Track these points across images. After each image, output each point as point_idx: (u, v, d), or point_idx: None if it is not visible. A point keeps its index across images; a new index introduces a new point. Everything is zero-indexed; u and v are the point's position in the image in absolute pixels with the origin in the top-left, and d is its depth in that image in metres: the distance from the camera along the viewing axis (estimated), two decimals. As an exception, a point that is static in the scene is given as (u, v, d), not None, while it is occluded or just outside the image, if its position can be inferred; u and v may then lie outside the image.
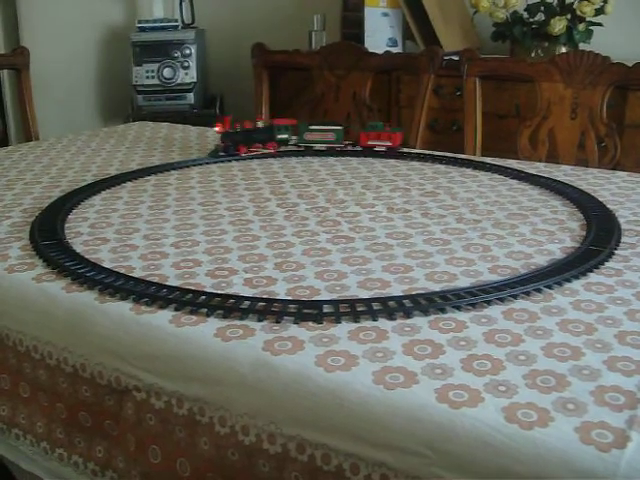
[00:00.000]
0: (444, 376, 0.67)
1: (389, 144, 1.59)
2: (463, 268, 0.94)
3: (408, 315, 0.80)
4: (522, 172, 1.43)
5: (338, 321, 0.79)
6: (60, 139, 1.81)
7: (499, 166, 1.47)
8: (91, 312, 0.84)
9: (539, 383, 0.66)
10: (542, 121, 1.77)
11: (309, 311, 0.81)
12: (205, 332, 0.77)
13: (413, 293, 0.86)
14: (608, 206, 1.20)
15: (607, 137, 1.69)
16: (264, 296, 0.85)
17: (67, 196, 1.26)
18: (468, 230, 1.09)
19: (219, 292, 0.86)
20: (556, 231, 1.09)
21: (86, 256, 0.98)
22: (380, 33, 2.60)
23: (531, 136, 1.78)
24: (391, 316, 0.79)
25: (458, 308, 0.82)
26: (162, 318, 0.80)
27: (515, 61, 1.98)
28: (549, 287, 0.87)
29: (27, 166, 1.51)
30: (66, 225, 1.12)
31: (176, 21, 3.11)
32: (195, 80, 3.01)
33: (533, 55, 2.37)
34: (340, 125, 1.60)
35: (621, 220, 1.13)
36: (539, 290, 0.86)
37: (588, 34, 2.31)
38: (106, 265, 0.95)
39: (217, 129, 1.51)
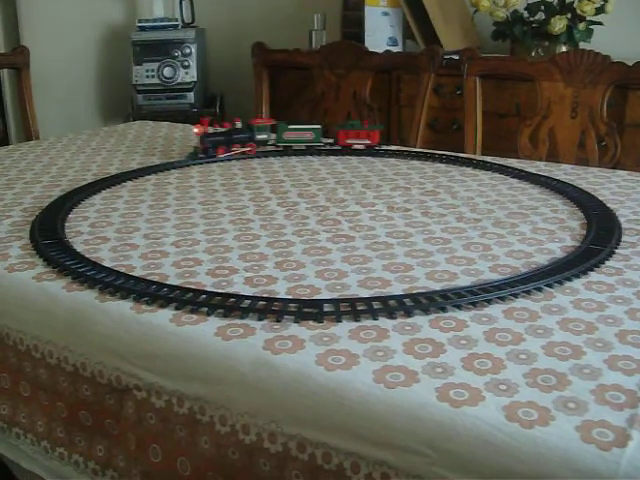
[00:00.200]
0: (445, 375, 0.67)
1: (368, 142, 1.59)
2: (463, 267, 0.94)
3: (409, 314, 0.80)
4: (522, 171, 1.43)
5: (339, 320, 0.79)
6: (60, 138, 1.81)
7: (499, 165, 1.47)
8: (91, 311, 0.84)
9: (540, 382, 0.66)
10: (542, 120, 1.77)
11: (309, 310, 0.80)
12: (205, 331, 0.77)
13: (414, 292, 0.85)
14: (608, 205, 1.20)
15: (607, 136, 1.69)
16: (264, 295, 0.85)
17: (67, 195, 1.26)
18: (468, 229, 1.09)
19: (219, 291, 0.86)
20: (556, 230, 1.09)
21: (86, 255, 0.98)
22: (380, 32, 2.60)
23: (531, 135, 1.78)
24: (392, 315, 0.79)
25: (459, 307, 0.82)
26: (162, 317, 0.80)
27: (515, 60, 1.99)
28: (550, 286, 0.87)
29: (27, 165, 1.51)
30: (66, 224, 1.12)
31: (176, 20, 3.11)
32: (195, 79, 3.01)
33: (533, 54, 2.37)
34: (319, 124, 1.60)
35: (621, 219, 1.13)
36: (540, 289, 0.86)
37: (588, 33, 2.31)
38: (106, 264, 0.95)
39: (196, 131, 1.50)
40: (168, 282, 0.89)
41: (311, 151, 1.59)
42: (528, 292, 0.85)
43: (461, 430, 0.61)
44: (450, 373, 0.68)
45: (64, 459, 0.88)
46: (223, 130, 1.53)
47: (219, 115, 3.07)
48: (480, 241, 1.04)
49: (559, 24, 2.25)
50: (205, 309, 0.81)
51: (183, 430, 0.76)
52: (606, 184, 1.34)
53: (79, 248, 1.01)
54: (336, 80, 2.07)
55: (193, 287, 0.87)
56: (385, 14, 2.59)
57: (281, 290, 0.87)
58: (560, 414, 0.61)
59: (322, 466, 0.67)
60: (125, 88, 3.13)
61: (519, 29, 2.35)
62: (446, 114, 2.41)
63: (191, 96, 3.02)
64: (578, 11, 2.26)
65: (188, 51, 2.99)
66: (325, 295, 0.85)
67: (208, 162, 1.50)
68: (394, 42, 2.60)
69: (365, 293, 0.86)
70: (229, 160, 1.51)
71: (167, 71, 2.98)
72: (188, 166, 1.48)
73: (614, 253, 0.99)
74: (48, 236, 1.04)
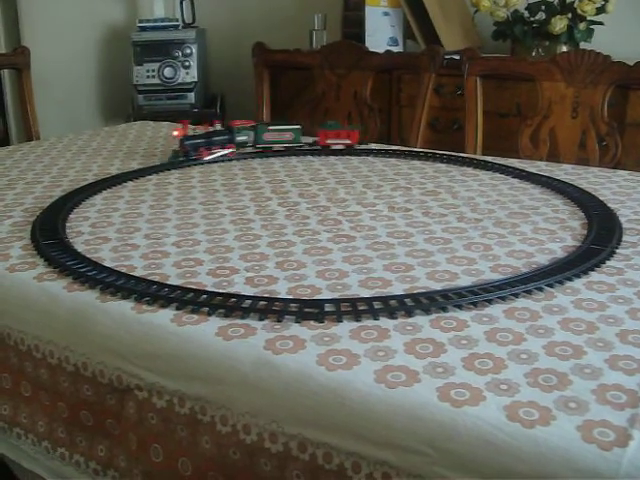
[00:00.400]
0: (446, 375, 0.67)
1: (348, 142, 1.59)
2: (464, 267, 0.94)
3: (409, 314, 0.80)
4: (523, 171, 1.43)
5: (339, 320, 0.79)
6: (61, 138, 1.81)
7: (500, 165, 1.47)
8: (92, 311, 0.84)
9: (541, 382, 0.66)
10: (543, 120, 1.77)
11: (310, 310, 0.80)
12: (206, 331, 0.77)
13: (414, 292, 0.85)
14: (609, 205, 1.20)
15: (608, 136, 1.69)
16: (265, 295, 0.85)
17: (68, 195, 1.26)
18: (469, 229, 1.09)
19: (220, 291, 0.86)
20: (557, 230, 1.09)
21: (87, 255, 0.98)
22: (381, 32, 2.60)
23: (532, 135, 1.79)
24: (392, 315, 0.79)
25: (459, 307, 0.81)
26: (163, 317, 0.80)
27: (516, 60, 1.99)
28: (550, 286, 0.87)
29: (28, 165, 1.51)
30: (67, 224, 1.12)
31: (177, 20, 3.11)
32: (196, 79, 3.01)
33: (534, 54, 2.37)
34: (298, 125, 1.60)
35: (622, 219, 1.13)
36: (540, 289, 0.86)
37: (589, 33, 2.31)
38: (107, 264, 0.95)
39: (175, 133, 1.48)
40: (169, 282, 0.89)
41: (291, 152, 1.58)
42: (529, 292, 0.85)
43: (462, 430, 0.61)
44: (451, 373, 0.68)
45: (65, 459, 0.88)
46: (203, 132, 1.51)
47: (219, 115, 3.07)
48: (481, 241, 1.04)
49: (560, 24, 2.25)
50: (206, 309, 0.81)
51: (184, 430, 0.76)
52: (607, 184, 1.34)
53: (80, 248, 1.01)
54: (337, 80, 2.07)
55: (194, 287, 0.87)
56: (386, 14, 2.60)
57: (282, 290, 0.87)
58: (561, 414, 0.61)
59: (323, 466, 0.67)
60: (126, 88, 3.13)
61: (520, 29, 2.35)
62: (447, 114, 2.41)
63: (192, 96, 3.02)
64: (579, 11, 2.26)
65: (189, 51, 3.00)
66: (326, 295, 0.85)
67: (189, 165, 1.47)
68: (395, 42, 2.60)
69: (366, 293, 0.86)
70: (209, 163, 1.49)
71: (168, 71, 2.98)
72: (189, 166, 1.48)
73: (615, 253, 0.99)
74: (49, 236, 1.04)
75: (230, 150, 1.52)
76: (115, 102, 3.36)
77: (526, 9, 2.38)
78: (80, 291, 0.88)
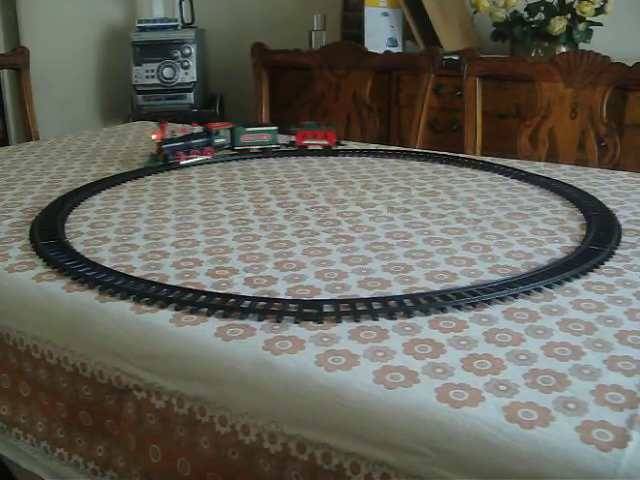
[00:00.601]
0: (445, 375, 0.67)
1: (325, 143, 1.59)
2: (463, 268, 0.94)
3: (408, 315, 0.80)
4: (522, 171, 1.43)
5: (338, 320, 0.79)
6: (60, 139, 1.81)
7: (499, 165, 1.47)
8: (91, 312, 0.84)
9: (540, 382, 0.66)
10: (542, 121, 1.77)
11: (309, 311, 0.81)
12: (205, 331, 0.77)
13: (413, 293, 0.86)
14: (608, 206, 1.20)
15: (607, 137, 1.69)
16: (264, 296, 0.85)
17: (67, 196, 1.26)
18: (468, 230, 1.09)
19: (219, 292, 0.86)
20: (556, 231, 1.09)
21: (86, 256, 0.98)
22: (380, 33, 2.60)
23: (531, 136, 1.78)
24: (391, 315, 0.79)
25: (458, 308, 0.82)
26: (162, 317, 0.80)
27: (515, 61, 1.99)
28: (549, 287, 0.87)
29: (27, 166, 1.51)
30: (66, 225, 1.12)
31: (176, 21, 3.11)
32: (195, 80, 3.01)
33: (533, 55, 2.37)
34: (275, 126, 1.60)
35: (621, 220, 1.13)
36: (539, 290, 0.86)
37: (588, 34, 2.31)
38: (106, 264, 0.95)
39: (154, 137, 1.46)
40: (168, 283, 0.89)
41: (268, 154, 1.57)
42: (528, 293, 0.85)
43: (461, 430, 0.61)
44: (450, 374, 0.68)
45: (64, 459, 0.88)
46: (181, 135, 1.49)
47: (219, 115, 3.07)
48: (480, 242, 1.04)
49: (559, 25, 2.25)
50: (205, 309, 0.81)
51: (183, 430, 0.76)
52: (606, 185, 1.34)
53: (79, 248, 1.01)
54: (336, 80, 2.07)
55: (193, 288, 0.87)
56: (385, 15, 2.60)
57: (281, 291, 0.87)
58: (560, 415, 0.61)
59: (322, 466, 0.67)
60: (125, 88, 3.13)
61: (519, 30, 2.35)
62: (446, 114, 2.41)
63: (191, 96, 3.02)
64: (578, 12, 2.26)
65: (188, 51, 2.99)
66: (325, 296, 0.85)
67: (168, 170, 1.45)
68: (394, 43, 2.60)
69: (365, 294, 0.86)
70: (187, 167, 1.47)
71: (167, 71, 2.98)
72: (189, 167, 1.48)
73: (614, 254, 0.99)
74: (48, 236, 1.04)
75: (208, 155, 1.50)
76: (114, 102, 3.35)
77: (525, 10, 2.38)
78: (79, 291, 0.88)
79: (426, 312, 0.80)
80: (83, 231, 1.09)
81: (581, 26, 2.29)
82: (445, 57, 2.13)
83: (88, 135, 1.86)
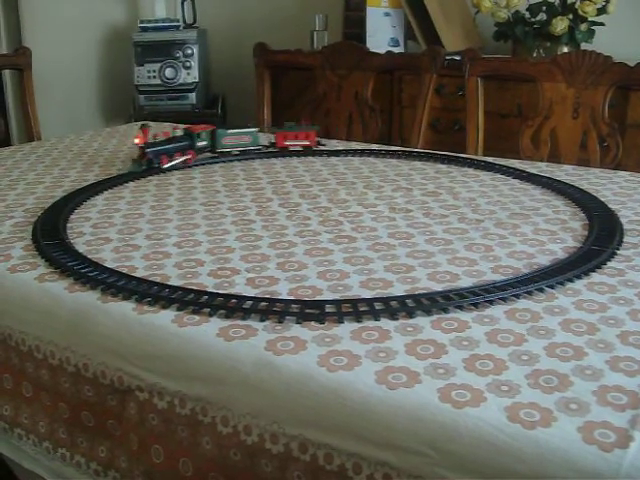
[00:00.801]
0: (447, 376, 0.67)
1: (306, 143, 1.59)
2: (465, 268, 0.94)
3: (410, 315, 0.80)
4: (524, 172, 1.43)
5: (340, 321, 0.79)
6: (62, 139, 1.81)
7: (501, 166, 1.47)
8: (94, 312, 0.84)
9: (542, 383, 0.66)
10: (544, 121, 1.77)
11: (311, 311, 0.81)
12: (207, 332, 0.77)
13: (415, 293, 0.85)
14: (610, 206, 1.20)
15: (609, 137, 1.69)
16: (266, 296, 0.85)
17: (69, 196, 1.26)
18: (470, 230, 1.09)
19: (221, 292, 0.86)
20: (558, 231, 1.09)
21: (88, 256, 0.98)
22: (382, 33, 2.60)
23: (533, 136, 1.78)
24: (393, 316, 0.79)
25: (460, 308, 0.82)
26: (164, 318, 0.81)
27: (517, 61, 1.99)
28: (551, 287, 0.87)
29: (29, 166, 1.51)
30: (68, 225, 1.12)
31: (178, 21, 3.11)
32: (197, 80, 3.01)
33: (535, 55, 2.37)
34: (256, 127, 1.59)
35: (623, 220, 1.13)
36: (541, 290, 0.86)
37: (590, 34, 2.31)
38: (108, 265, 0.95)
39: (136, 141, 1.42)
40: (170, 283, 0.89)
41: (251, 155, 1.56)
42: (530, 293, 0.85)
43: (463, 431, 0.61)
44: (452, 374, 0.68)
45: (66, 460, 0.88)
46: (163, 139, 1.47)
47: (221, 116, 3.08)
48: (482, 242, 1.04)
49: (561, 25, 2.25)
50: (207, 310, 0.81)
51: (185, 431, 0.76)
52: (608, 185, 1.34)
53: (81, 249, 1.01)
54: (338, 81, 2.07)
55: (195, 288, 0.87)
56: (387, 15, 2.60)
57: (283, 291, 0.87)
58: (562, 415, 0.61)
59: (324, 467, 0.67)
60: (127, 89, 3.13)
61: (521, 30, 2.35)
62: (448, 115, 2.41)
63: (193, 97, 3.02)
64: (580, 12, 2.26)
65: (190, 52, 3.00)
66: (327, 296, 0.85)
67: (151, 175, 1.43)
68: (396, 43, 2.60)
69: (367, 294, 0.86)
70: (170, 170, 1.45)
71: (169, 72, 2.98)
72: (190, 167, 1.49)
73: (616, 254, 0.99)
74: (50, 237, 1.05)
75: (189, 156, 1.48)
76: (116, 103, 3.36)
77: (527, 10, 2.38)
78: (81, 292, 0.88)
79: (428, 312, 0.80)
80: (85, 231, 1.10)
81: (583, 26, 2.29)
82: (447, 57, 2.13)
83: (90, 135, 1.87)
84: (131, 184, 1.37)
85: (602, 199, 1.23)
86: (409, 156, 1.58)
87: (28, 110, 2.13)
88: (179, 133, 1.49)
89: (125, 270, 0.93)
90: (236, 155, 1.55)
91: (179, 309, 0.82)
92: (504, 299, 0.84)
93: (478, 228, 1.10)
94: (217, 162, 1.53)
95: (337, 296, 0.85)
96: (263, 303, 0.82)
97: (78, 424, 0.87)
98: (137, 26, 3.05)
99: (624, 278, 0.91)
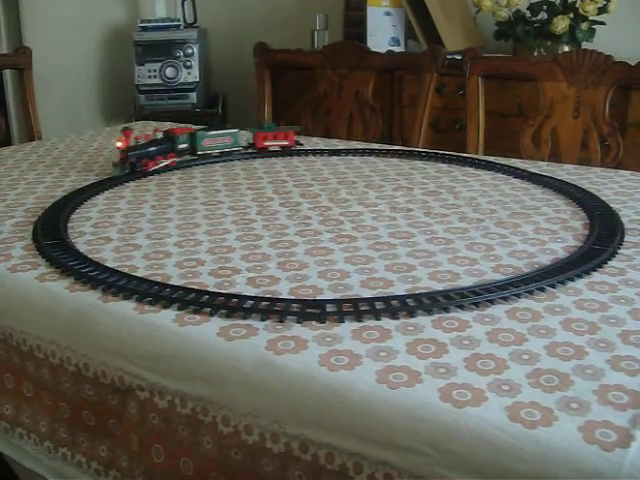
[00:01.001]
0: (447, 375, 0.67)
1: (285, 143, 1.59)
2: (466, 267, 0.94)
3: (411, 314, 0.80)
4: (525, 171, 1.43)
5: (341, 320, 0.79)
6: (63, 139, 1.81)
7: (502, 165, 1.47)
8: (94, 312, 0.84)
9: (542, 382, 0.66)
10: (545, 120, 1.77)
11: (312, 310, 0.81)
12: (208, 331, 0.77)
13: (416, 292, 0.85)
14: (611, 205, 1.19)
15: (610, 136, 1.69)
16: (267, 295, 0.85)
17: (70, 196, 1.26)
18: (471, 229, 1.09)
19: (222, 291, 0.86)
20: (559, 230, 1.09)
21: (89, 256, 0.98)
22: (382, 32, 2.60)
23: (534, 135, 1.78)
24: (394, 315, 0.79)
25: (461, 307, 0.81)
26: (165, 317, 0.81)
27: (518, 60, 1.98)
28: (552, 286, 0.87)
29: (30, 166, 1.51)
30: (69, 225, 1.12)
31: (178, 20, 3.11)
32: (197, 79, 3.01)
33: (536, 54, 2.37)
34: (236, 129, 1.59)
35: (624, 219, 1.13)
36: (542, 289, 0.86)
37: (591, 33, 2.31)
38: (109, 264, 0.95)
39: (119, 144, 1.40)
40: (171, 282, 0.89)
41: (231, 157, 1.55)
42: (531, 292, 0.85)
43: (464, 430, 0.61)
44: (453, 373, 0.68)
45: (67, 459, 0.88)
46: (144, 142, 1.45)
47: (221, 115, 3.08)
48: (483, 241, 1.04)
49: (562, 24, 2.25)
50: (208, 309, 0.81)
51: (186, 430, 0.76)
52: (609, 184, 1.34)
53: (82, 248, 1.01)
54: (338, 80, 2.07)
55: (196, 287, 0.87)
56: (387, 14, 2.60)
57: (284, 290, 0.87)
58: (563, 414, 0.61)
59: (325, 466, 0.67)
60: (127, 88, 3.13)
61: (521, 29, 2.35)
62: (448, 114, 2.41)
63: (193, 96, 3.02)
64: (580, 11, 2.26)
65: (190, 51, 3.00)
66: (328, 295, 0.85)
67: (133, 179, 1.40)
68: (396, 42, 2.60)
69: (368, 293, 0.86)
70: (151, 175, 1.44)
71: (169, 71, 2.98)
72: (190, 167, 1.48)
73: (617, 253, 0.99)
74: (51, 236, 1.05)
75: (170, 159, 1.47)
76: (117, 102, 3.36)
77: (528, 9, 2.38)
78: (82, 291, 0.88)
79: (429, 312, 0.80)
80: (86, 231, 1.10)
81: (584, 25, 2.29)
82: (448, 56, 2.12)
83: (90, 135, 1.87)
84: (132, 184, 1.36)
85: (603, 198, 1.23)
86: (410, 155, 1.58)
87: (29, 110, 2.12)
88: (159, 136, 1.48)
89: (126, 270, 0.93)
90: (216, 156, 1.54)
91: (180, 309, 0.82)
92: (505, 298, 0.84)
93: (479, 227, 1.10)
94: (197, 164, 1.51)
95: (338, 295, 0.85)
96: (264, 303, 0.82)
97: (79, 424, 0.87)
98: (137, 26, 3.05)
99: (625, 277, 0.91)
